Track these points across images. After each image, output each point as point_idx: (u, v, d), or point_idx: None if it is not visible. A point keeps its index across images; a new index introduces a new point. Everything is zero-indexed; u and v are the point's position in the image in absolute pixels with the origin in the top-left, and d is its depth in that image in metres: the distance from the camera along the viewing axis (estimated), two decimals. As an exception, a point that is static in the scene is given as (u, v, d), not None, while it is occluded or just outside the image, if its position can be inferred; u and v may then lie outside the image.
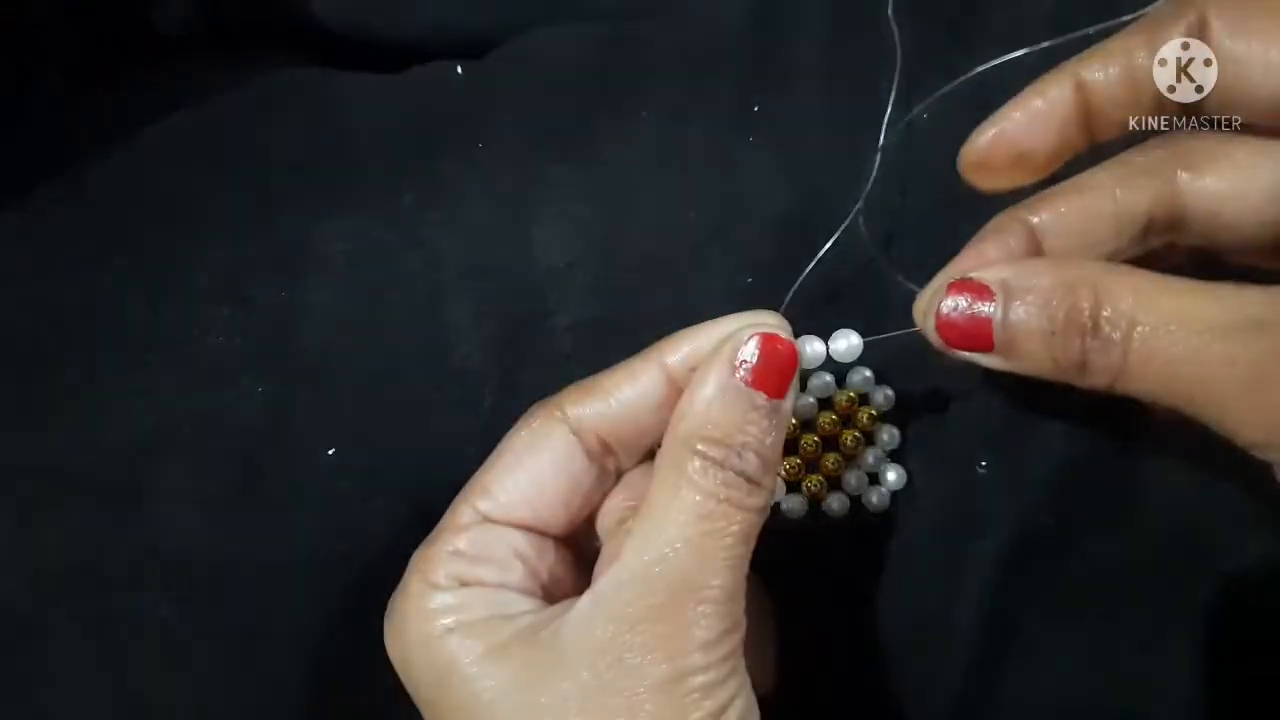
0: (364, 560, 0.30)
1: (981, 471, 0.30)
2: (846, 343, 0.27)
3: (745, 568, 0.23)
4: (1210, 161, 0.24)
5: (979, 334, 0.23)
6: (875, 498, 0.30)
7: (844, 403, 0.30)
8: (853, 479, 0.30)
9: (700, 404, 0.23)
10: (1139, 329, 0.21)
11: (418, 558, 0.24)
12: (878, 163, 0.29)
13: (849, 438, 0.30)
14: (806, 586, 0.30)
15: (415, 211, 0.32)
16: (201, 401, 0.30)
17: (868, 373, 0.30)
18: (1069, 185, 0.25)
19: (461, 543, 0.24)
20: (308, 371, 0.31)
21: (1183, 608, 0.29)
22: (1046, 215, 0.25)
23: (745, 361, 0.23)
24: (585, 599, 0.23)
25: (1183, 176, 0.24)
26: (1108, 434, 0.29)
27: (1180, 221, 0.25)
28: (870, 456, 0.30)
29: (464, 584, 0.23)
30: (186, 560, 0.30)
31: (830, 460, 0.30)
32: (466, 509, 0.24)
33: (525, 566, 0.24)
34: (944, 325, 0.24)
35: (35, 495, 0.30)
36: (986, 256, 0.25)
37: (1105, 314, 0.22)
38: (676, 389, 0.24)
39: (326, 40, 0.38)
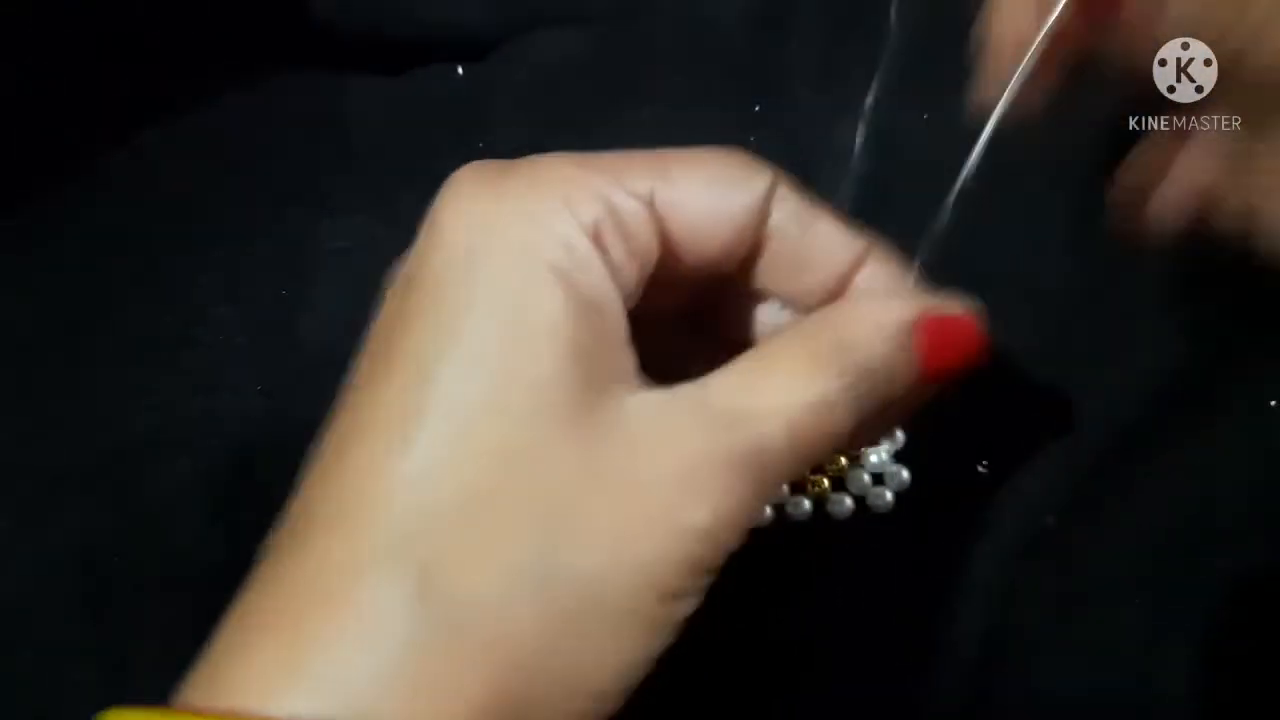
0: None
1: (982, 471, 0.30)
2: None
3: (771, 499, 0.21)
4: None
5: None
6: (880, 499, 0.30)
7: None
8: (858, 480, 0.30)
9: (871, 328, 0.21)
10: None
11: (560, 164, 0.20)
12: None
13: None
14: (807, 586, 0.30)
15: (416, 211, 0.32)
16: (202, 401, 0.30)
17: None
18: None
19: (623, 202, 0.20)
20: (308, 371, 0.31)
21: (1183, 608, 0.29)
22: None
23: (932, 328, 0.21)
24: (685, 389, 0.19)
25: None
26: (1108, 434, 0.29)
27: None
28: (875, 457, 0.30)
29: (598, 244, 0.20)
30: (186, 560, 0.30)
31: (835, 462, 0.30)
32: (641, 175, 0.21)
33: (637, 285, 0.21)
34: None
35: (35, 495, 0.30)
36: None
37: None
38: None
39: (328, 42, 0.38)
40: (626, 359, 0.20)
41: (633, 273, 0.20)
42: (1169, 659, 0.29)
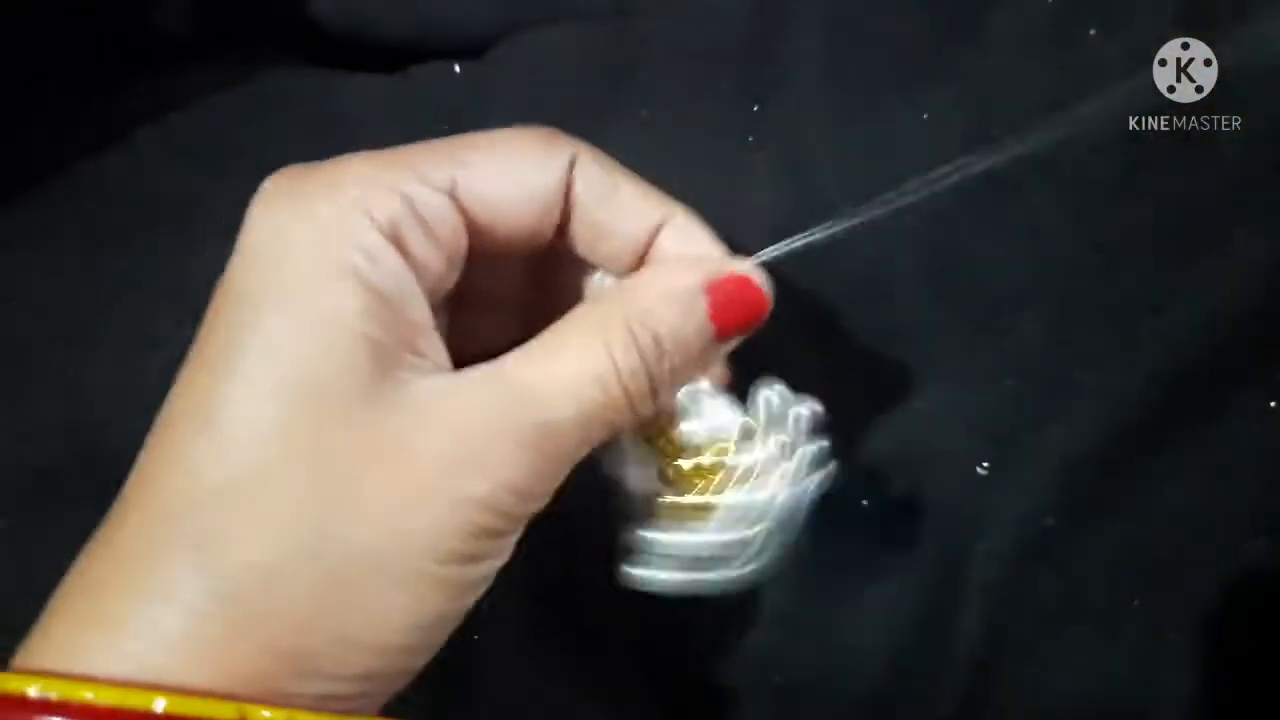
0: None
1: (982, 472, 0.30)
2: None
3: (567, 467, 0.21)
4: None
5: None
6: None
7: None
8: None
9: (658, 296, 0.22)
10: None
11: (360, 165, 0.22)
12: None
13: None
14: (806, 586, 0.30)
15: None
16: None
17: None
18: None
19: (422, 197, 0.21)
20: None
21: (1183, 608, 0.29)
22: None
23: (718, 289, 0.23)
24: (480, 369, 0.21)
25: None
26: (1108, 434, 0.29)
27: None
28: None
29: (397, 239, 0.21)
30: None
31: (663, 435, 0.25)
32: (439, 166, 0.22)
33: (442, 276, 0.22)
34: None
35: (30, 496, 0.29)
36: None
37: None
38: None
39: (325, 41, 0.37)
40: (428, 345, 0.21)
41: (439, 262, 0.22)
42: (1169, 659, 0.29)
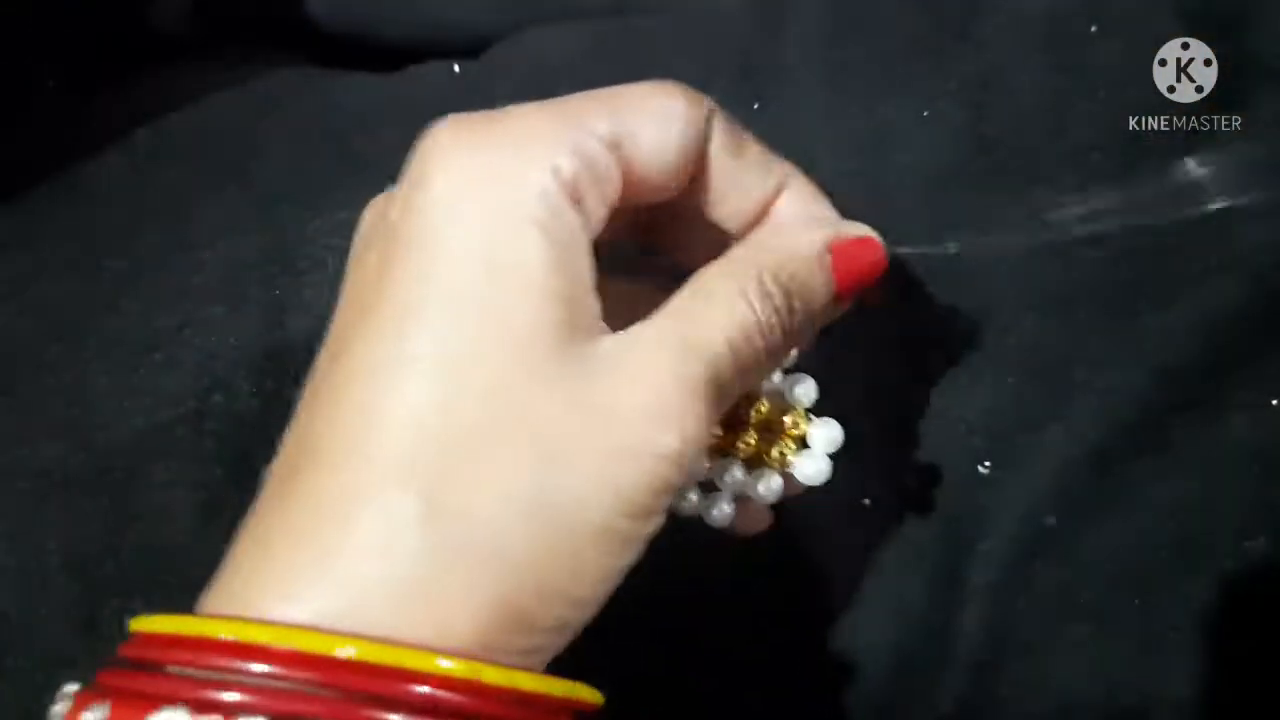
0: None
1: (983, 472, 0.29)
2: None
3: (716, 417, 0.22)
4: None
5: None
6: (809, 467, 0.25)
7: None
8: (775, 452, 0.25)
9: (787, 252, 0.23)
10: None
11: (539, 118, 0.22)
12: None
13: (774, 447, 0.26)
14: (807, 586, 0.30)
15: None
16: (195, 402, 0.30)
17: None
18: None
19: (594, 150, 0.21)
20: (302, 370, 0.30)
21: (1183, 608, 0.29)
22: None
23: (841, 248, 0.24)
24: (643, 328, 0.21)
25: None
26: (1108, 434, 0.29)
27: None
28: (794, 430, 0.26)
29: (577, 201, 0.21)
30: (180, 562, 0.29)
31: (758, 410, 0.25)
32: (601, 118, 0.22)
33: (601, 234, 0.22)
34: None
35: (27, 497, 0.29)
36: None
37: None
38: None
39: (325, 41, 0.37)
40: (595, 303, 0.21)
41: (603, 217, 0.22)
42: (1169, 659, 0.29)
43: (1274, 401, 0.29)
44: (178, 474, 0.30)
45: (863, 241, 0.24)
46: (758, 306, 0.22)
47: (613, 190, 0.22)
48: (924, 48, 0.31)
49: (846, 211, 0.29)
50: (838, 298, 0.24)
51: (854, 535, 0.30)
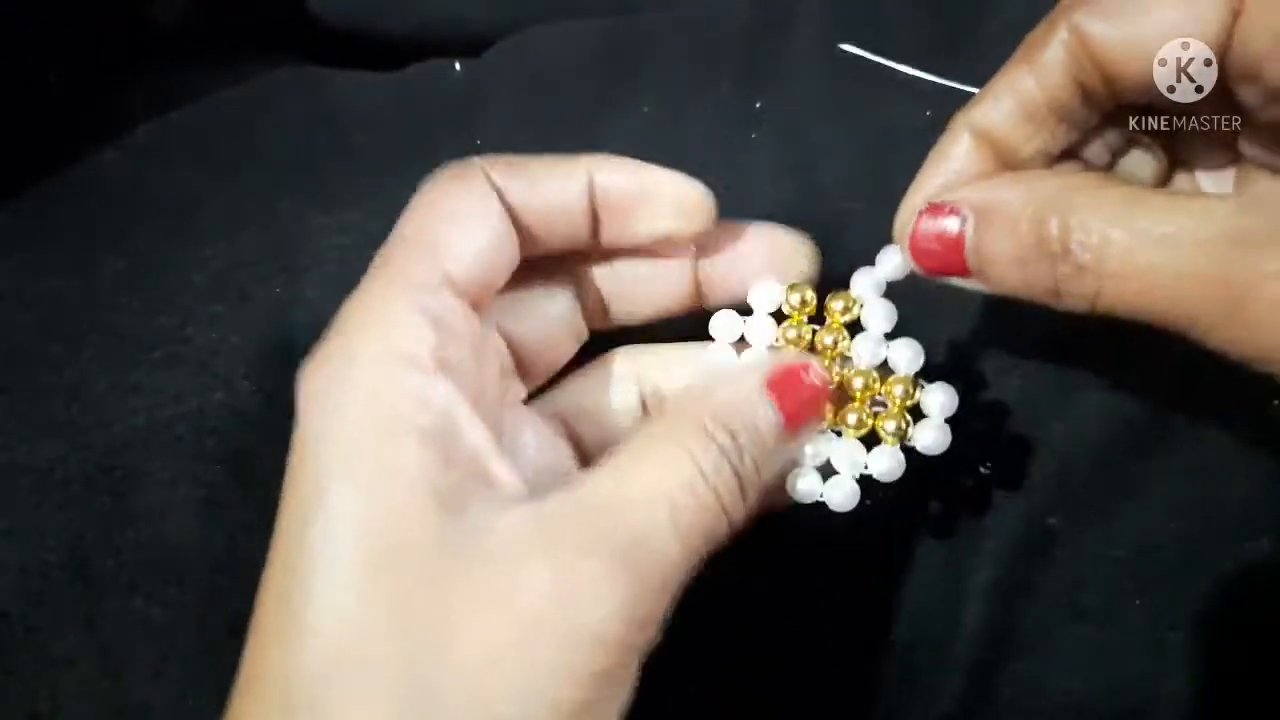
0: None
1: (985, 472, 0.29)
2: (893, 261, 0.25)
3: (674, 586, 0.20)
4: (1109, 7, 0.22)
5: (954, 259, 0.23)
6: (929, 435, 0.25)
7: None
8: (890, 426, 0.25)
9: (724, 397, 0.22)
10: (1111, 250, 0.20)
11: (374, 295, 0.22)
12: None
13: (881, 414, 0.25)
14: (807, 586, 0.30)
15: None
16: (196, 399, 0.30)
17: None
18: (999, 85, 0.24)
19: (434, 304, 0.21)
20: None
21: (1182, 608, 0.29)
22: (993, 116, 0.23)
23: (778, 382, 0.23)
24: (556, 494, 0.20)
25: (1083, 27, 0.22)
26: (1109, 434, 0.29)
27: (1112, 77, 0.23)
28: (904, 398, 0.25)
29: (441, 366, 0.21)
30: (181, 560, 0.29)
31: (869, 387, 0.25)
32: (423, 263, 0.22)
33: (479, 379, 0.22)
34: (920, 254, 0.23)
35: (28, 494, 0.29)
36: (947, 167, 0.24)
37: (1075, 237, 0.21)
38: (591, 209, 0.24)
39: (325, 37, 0.37)
40: (499, 467, 0.21)
41: (473, 362, 0.22)
42: (1169, 659, 0.29)
43: (1275, 401, 0.29)
44: (178, 472, 0.30)
45: (795, 371, 0.23)
46: (700, 457, 0.21)
47: (471, 333, 0.22)
48: (926, 48, 0.31)
49: (848, 213, 0.29)
50: (789, 427, 0.23)
51: (855, 535, 0.30)
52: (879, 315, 0.25)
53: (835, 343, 0.25)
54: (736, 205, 0.31)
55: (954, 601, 0.29)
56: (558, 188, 0.24)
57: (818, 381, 0.23)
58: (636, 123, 0.32)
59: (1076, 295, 0.21)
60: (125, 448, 0.30)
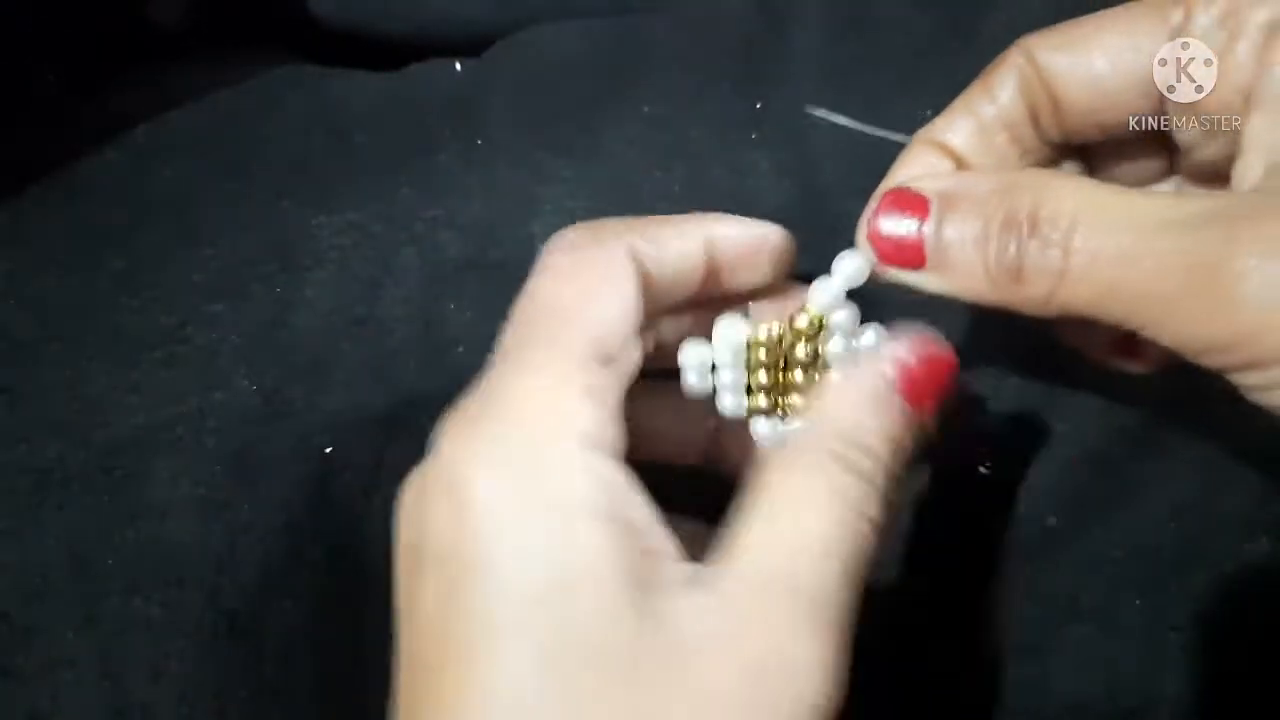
0: (360, 559, 0.30)
1: (984, 473, 0.30)
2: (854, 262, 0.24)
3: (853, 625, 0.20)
4: (1060, 39, 0.23)
5: (913, 247, 0.22)
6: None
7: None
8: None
9: (850, 412, 0.21)
10: (1080, 228, 0.20)
11: (524, 380, 0.21)
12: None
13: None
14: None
15: (413, 207, 0.32)
16: (196, 399, 0.30)
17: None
18: (956, 105, 0.24)
19: (594, 379, 0.21)
20: (304, 368, 0.30)
21: (1182, 608, 0.29)
22: (950, 134, 0.24)
23: (904, 367, 0.22)
24: (721, 574, 0.20)
25: (1034, 51, 0.23)
26: (1108, 434, 0.29)
27: (1060, 101, 0.23)
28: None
29: (605, 440, 0.20)
30: (180, 560, 0.29)
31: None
32: (580, 338, 0.21)
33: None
34: (877, 238, 0.22)
35: (28, 494, 0.29)
36: (908, 173, 0.24)
37: (1044, 213, 0.20)
38: (710, 264, 0.24)
39: (326, 37, 0.37)
40: (657, 534, 0.20)
41: (622, 437, 0.21)
42: (1169, 659, 0.29)
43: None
44: (178, 471, 0.30)
45: (922, 356, 0.22)
46: (842, 489, 0.20)
47: (619, 395, 0.21)
48: (926, 47, 0.31)
49: (847, 213, 0.29)
50: (921, 415, 0.22)
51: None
52: (845, 324, 0.24)
53: (815, 355, 0.24)
54: (736, 207, 0.31)
55: (953, 602, 0.29)
56: (682, 248, 0.23)
57: (943, 354, 0.23)
58: (637, 121, 0.32)
59: (1039, 274, 0.20)
60: (125, 447, 0.30)
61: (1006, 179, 0.21)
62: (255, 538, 0.30)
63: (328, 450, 0.30)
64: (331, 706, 0.29)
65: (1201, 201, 0.20)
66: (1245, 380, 0.20)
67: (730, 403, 0.24)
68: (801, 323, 0.24)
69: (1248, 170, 0.21)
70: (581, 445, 0.20)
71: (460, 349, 0.31)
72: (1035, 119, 0.24)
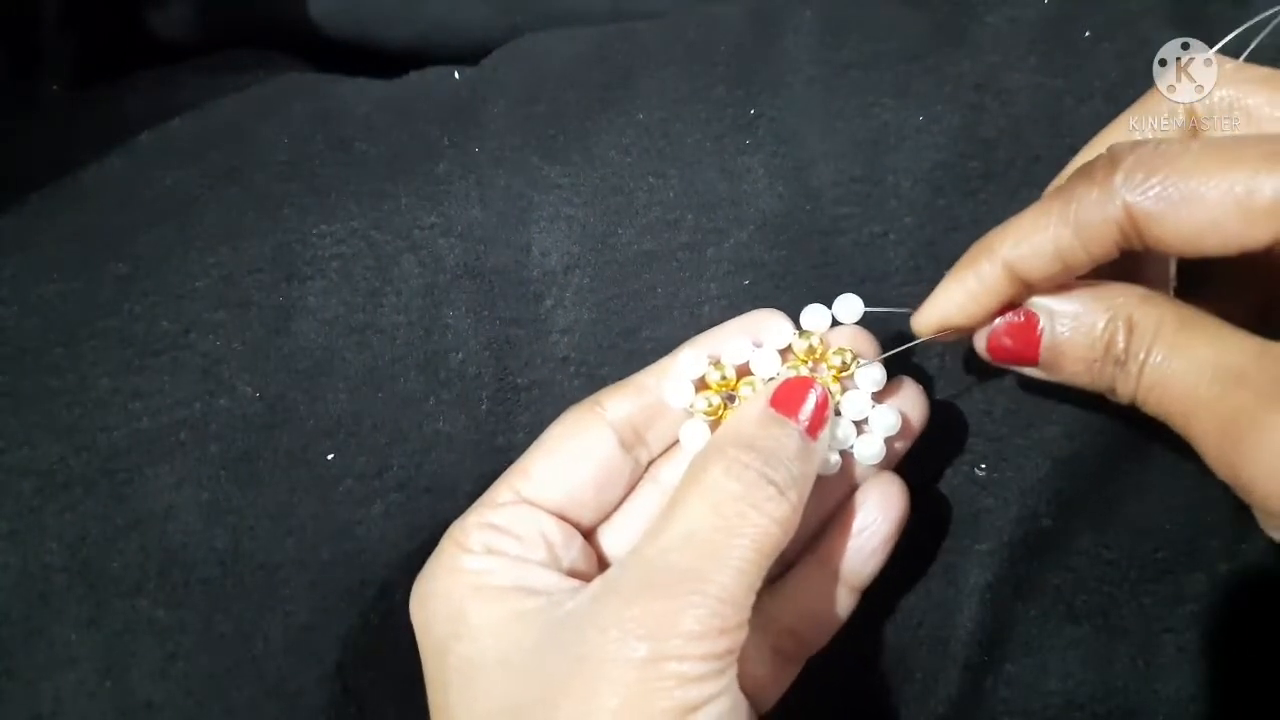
0: (361, 563, 0.30)
1: (981, 473, 0.30)
2: (848, 307, 0.28)
3: (755, 578, 0.24)
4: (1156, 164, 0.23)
5: (1027, 353, 0.26)
6: (865, 446, 0.27)
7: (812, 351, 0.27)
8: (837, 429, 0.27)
9: (735, 420, 0.26)
10: (1151, 361, 0.23)
11: (454, 528, 0.26)
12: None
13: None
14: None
15: (412, 214, 0.32)
16: (198, 405, 0.30)
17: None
18: (1038, 237, 0.25)
19: (496, 517, 0.26)
20: (304, 374, 0.31)
21: (1181, 608, 0.29)
22: (1031, 260, 0.25)
23: (779, 398, 0.26)
24: (598, 580, 0.24)
25: (1136, 212, 0.23)
26: (1108, 435, 0.29)
27: (1158, 245, 0.24)
28: (851, 404, 0.27)
29: (492, 553, 0.25)
30: (183, 563, 0.29)
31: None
32: (505, 488, 0.27)
33: (550, 550, 0.26)
34: (996, 348, 0.26)
35: (31, 498, 0.30)
36: (970, 289, 0.26)
37: (1132, 345, 0.24)
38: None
39: (325, 46, 0.38)
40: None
41: (543, 547, 0.27)
42: (1164, 660, 0.29)
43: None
44: (181, 475, 0.30)
45: (791, 381, 0.26)
46: (733, 477, 0.24)
47: (574, 536, 0.27)
48: (920, 51, 0.31)
49: (842, 218, 0.29)
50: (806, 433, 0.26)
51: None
52: (870, 379, 0.28)
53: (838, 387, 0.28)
54: (731, 212, 0.31)
55: (952, 602, 0.29)
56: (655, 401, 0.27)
57: (809, 385, 0.26)
58: (633, 128, 0.32)
59: (1123, 393, 0.24)
60: (128, 451, 0.30)
61: (1109, 304, 0.24)
62: (258, 540, 0.30)
63: (329, 456, 0.30)
64: (332, 706, 0.29)
65: (1243, 354, 0.22)
66: (1261, 518, 0.24)
67: None
68: (835, 362, 0.27)
69: None
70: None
71: (459, 356, 0.31)
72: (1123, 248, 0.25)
